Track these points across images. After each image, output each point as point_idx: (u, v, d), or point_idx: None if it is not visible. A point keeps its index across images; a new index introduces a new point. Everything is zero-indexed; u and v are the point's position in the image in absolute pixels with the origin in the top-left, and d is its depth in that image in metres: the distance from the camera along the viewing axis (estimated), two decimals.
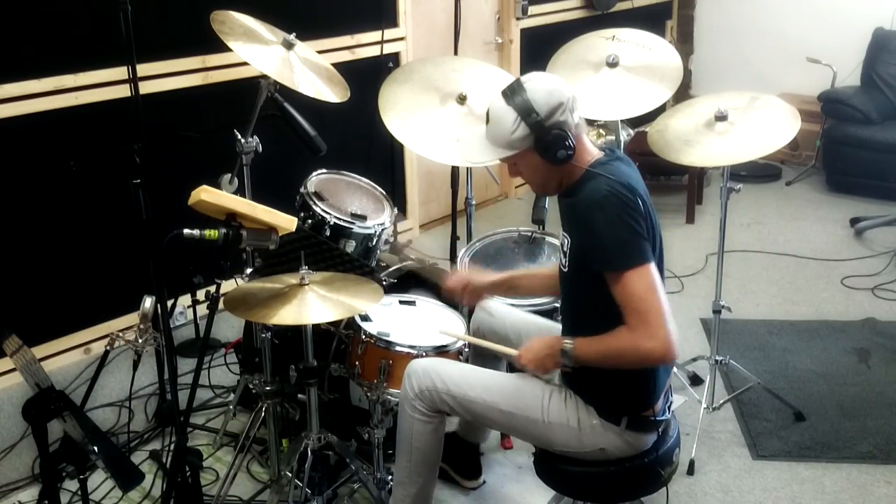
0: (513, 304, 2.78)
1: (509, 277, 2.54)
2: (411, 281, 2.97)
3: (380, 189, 3.14)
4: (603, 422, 2.14)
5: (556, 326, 2.54)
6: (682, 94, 6.48)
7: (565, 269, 2.18)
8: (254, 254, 2.81)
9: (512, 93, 2.07)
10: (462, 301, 2.55)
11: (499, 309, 2.61)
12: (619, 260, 1.98)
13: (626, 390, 2.13)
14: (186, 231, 2.00)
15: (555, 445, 2.21)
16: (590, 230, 2.01)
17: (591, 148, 2.15)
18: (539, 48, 5.07)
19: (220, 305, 2.14)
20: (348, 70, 3.23)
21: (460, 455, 2.81)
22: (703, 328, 3.93)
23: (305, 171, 3.00)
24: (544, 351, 2.14)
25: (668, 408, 2.24)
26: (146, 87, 3.39)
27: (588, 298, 2.09)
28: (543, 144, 2.05)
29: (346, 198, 3.00)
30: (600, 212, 1.99)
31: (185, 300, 3.81)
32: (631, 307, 1.97)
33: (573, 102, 2.09)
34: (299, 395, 2.83)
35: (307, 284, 2.23)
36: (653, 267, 1.99)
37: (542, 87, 2.07)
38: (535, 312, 2.74)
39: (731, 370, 3.40)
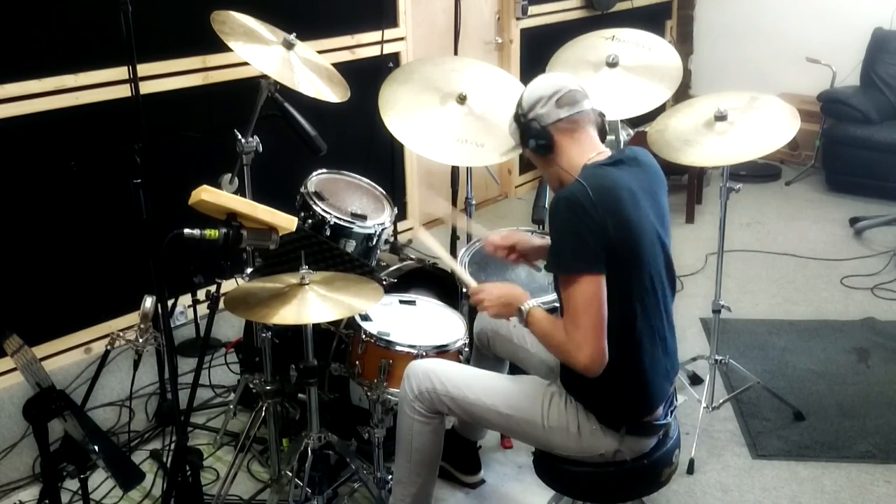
0: None
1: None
2: (412, 280, 2.97)
3: (380, 189, 3.15)
4: (603, 427, 2.14)
5: None
6: (682, 93, 6.49)
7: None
8: (254, 253, 2.81)
9: (520, 93, 2.24)
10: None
11: None
12: (559, 264, 2.05)
13: (626, 398, 2.13)
14: (187, 231, 2.01)
15: (554, 449, 2.21)
16: (550, 230, 2.08)
17: (594, 147, 2.16)
18: (539, 48, 5.07)
19: (221, 305, 2.15)
20: (348, 70, 3.23)
21: (459, 451, 2.81)
22: (703, 328, 3.94)
23: (305, 171, 3.00)
24: (504, 298, 2.19)
25: (671, 412, 2.23)
26: (146, 87, 3.39)
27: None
28: (524, 136, 2.19)
29: (346, 198, 3.00)
30: (556, 213, 2.04)
31: (185, 300, 3.81)
32: (566, 313, 2.02)
33: (562, 97, 2.14)
34: (299, 395, 2.84)
35: (307, 284, 2.23)
36: (595, 279, 1.97)
37: (533, 84, 2.22)
38: None
39: (731, 370, 3.40)
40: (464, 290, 2.51)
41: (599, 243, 1.98)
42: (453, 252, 3.70)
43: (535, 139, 2.15)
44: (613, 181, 2.06)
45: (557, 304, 2.80)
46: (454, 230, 3.79)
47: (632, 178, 2.10)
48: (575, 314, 1.99)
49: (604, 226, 1.97)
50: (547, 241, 2.53)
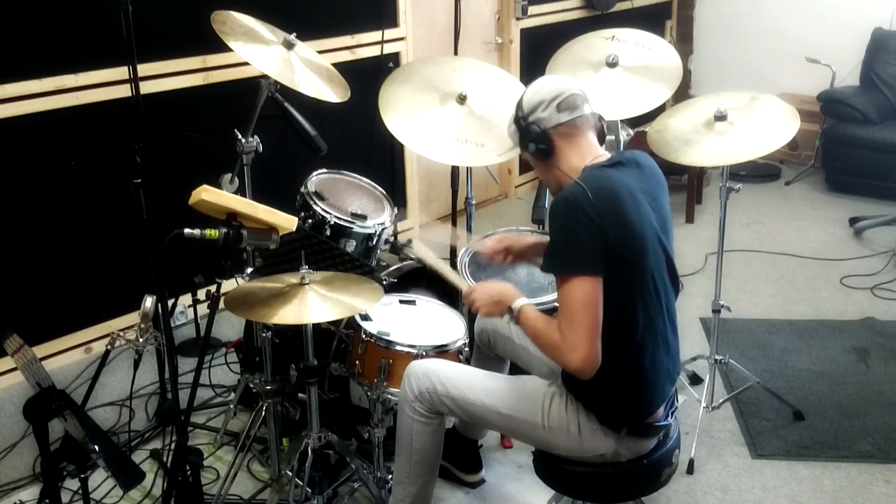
0: None
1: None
2: (412, 280, 2.97)
3: (380, 189, 3.15)
4: (603, 428, 2.14)
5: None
6: (682, 93, 6.49)
7: None
8: (254, 253, 2.81)
9: (520, 95, 2.23)
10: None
11: None
12: (556, 264, 2.05)
13: (627, 399, 2.13)
14: (187, 231, 2.01)
15: (555, 449, 2.21)
16: (550, 231, 2.08)
17: (593, 150, 2.16)
18: (539, 48, 5.08)
19: (221, 305, 2.15)
20: (348, 70, 3.24)
21: (460, 450, 2.82)
22: (703, 327, 3.94)
23: (306, 171, 3.00)
24: (496, 297, 2.21)
25: (672, 413, 2.24)
26: (147, 87, 3.39)
27: None
28: (523, 140, 2.19)
29: (346, 197, 3.00)
30: (555, 214, 2.04)
31: (185, 299, 3.81)
32: (561, 314, 2.02)
33: (563, 101, 2.13)
34: (300, 395, 2.84)
35: (307, 284, 2.23)
36: (591, 281, 1.98)
37: (533, 86, 2.21)
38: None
39: (731, 369, 3.40)
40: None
41: (597, 245, 1.98)
42: (453, 252, 3.70)
43: (535, 143, 2.15)
44: (613, 182, 2.06)
45: (558, 304, 2.84)
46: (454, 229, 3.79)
47: (632, 180, 2.11)
48: (570, 315, 1.99)
49: (602, 228, 1.98)
50: (540, 238, 2.55)
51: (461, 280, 2.40)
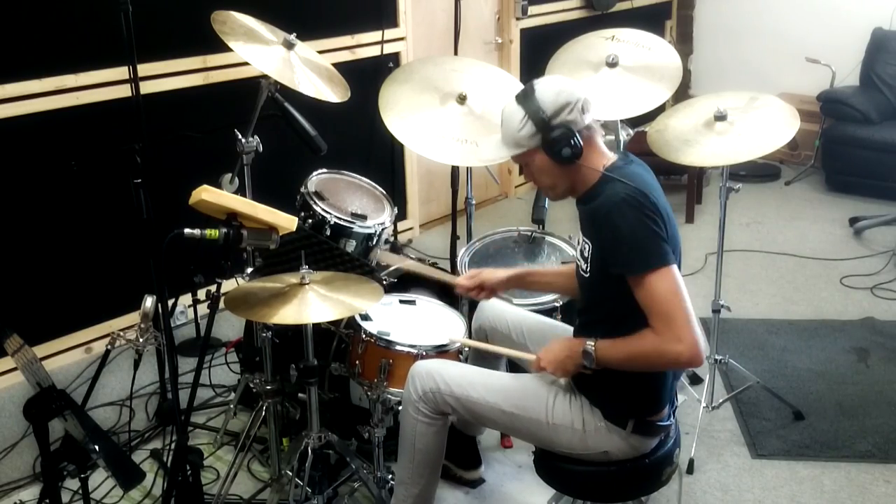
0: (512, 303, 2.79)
1: (524, 273, 2.55)
2: (412, 280, 2.97)
3: (380, 189, 3.15)
4: (608, 424, 2.14)
5: (558, 324, 2.55)
6: (682, 93, 6.49)
7: (586, 275, 2.14)
8: (254, 253, 2.81)
9: (523, 94, 2.12)
10: (477, 298, 2.55)
11: (500, 307, 2.62)
12: (641, 262, 1.98)
13: (636, 394, 2.13)
14: (187, 231, 2.01)
15: (558, 447, 2.21)
16: (611, 234, 2.01)
17: (606, 152, 2.16)
18: (539, 48, 5.08)
19: (221, 305, 2.15)
20: (349, 70, 3.24)
21: (459, 448, 2.81)
22: (703, 327, 3.92)
23: (306, 171, 3.00)
24: (564, 353, 2.13)
25: (673, 412, 2.24)
26: (147, 87, 3.39)
27: (610, 302, 2.08)
28: (549, 142, 2.08)
29: (346, 197, 3.00)
30: (621, 215, 1.99)
31: (185, 299, 3.81)
32: (655, 310, 1.97)
33: (583, 104, 2.09)
34: (300, 395, 2.84)
35: (307, 284, 2.23)
36: (675, 269, 1.99)
37: (550, 87, 2.10)
38: (535, 311, 2.75)
39: (731, 369, 3.40)
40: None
41: (667, 235, 2.00)
42: (453, 252, 3.70)
43: (569, 147, 2.06)
44: (645, 180, 2.08)
45: (558, 304, 2.84)
46: (454, 230, 3.79)
47: (650, 177, 2.14)
48: (664, 308, 1.96)
49: (664, 219, 2.01)
50: (510, 271, 2.53)
51: (523, 353, 2.36)
